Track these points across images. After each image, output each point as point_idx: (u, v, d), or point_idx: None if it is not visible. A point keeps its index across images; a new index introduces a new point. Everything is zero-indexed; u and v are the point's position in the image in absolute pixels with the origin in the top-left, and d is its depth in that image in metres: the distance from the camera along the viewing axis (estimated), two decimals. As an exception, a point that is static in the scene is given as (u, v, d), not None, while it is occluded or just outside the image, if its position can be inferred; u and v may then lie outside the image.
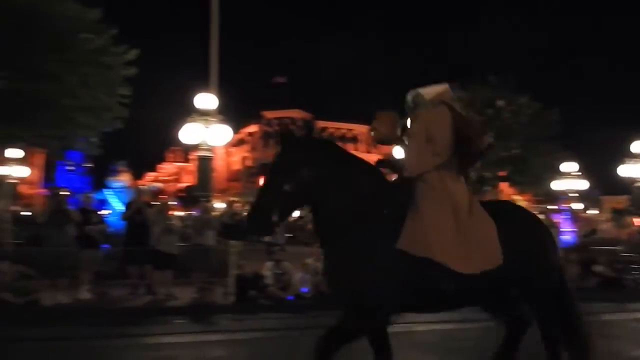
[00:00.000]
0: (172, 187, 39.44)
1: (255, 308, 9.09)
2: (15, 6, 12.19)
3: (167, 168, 45.48)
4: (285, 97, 35.83)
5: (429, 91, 4.01)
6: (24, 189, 25.63)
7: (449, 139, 3.77)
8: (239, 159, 37.04)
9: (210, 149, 12.70)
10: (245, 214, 4.70)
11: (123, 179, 23.65)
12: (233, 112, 13.04)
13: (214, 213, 13.19)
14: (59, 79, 12.75)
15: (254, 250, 10.77)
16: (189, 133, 12.49)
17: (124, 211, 10.51)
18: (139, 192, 11.54)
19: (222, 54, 12.97)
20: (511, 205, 4.52)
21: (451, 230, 3.64)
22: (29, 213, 24.93)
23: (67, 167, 36.13)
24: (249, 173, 36.70)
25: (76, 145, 15.80)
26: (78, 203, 12.22)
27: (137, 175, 26.93)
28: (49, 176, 36.09)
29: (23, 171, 19.82)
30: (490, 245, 3.72)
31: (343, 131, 38.48)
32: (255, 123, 36.70)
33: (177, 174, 43.56)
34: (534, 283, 3.97)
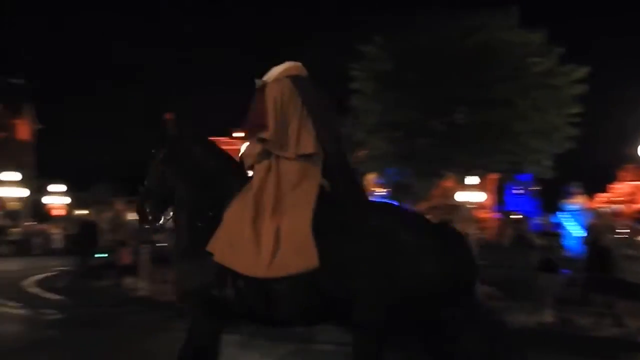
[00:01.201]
0: (628, 208, 35.87)
1: None
2: (470, 45, 13.34)
3: (621, 188, 41.74)
4: None
5: (273, 71, 3.57)
6: (479, 213, 27.37)
7: (268, 121, 3.34)
8: None
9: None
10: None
11: (578, 202, 22.58)
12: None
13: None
14: (512, 105, 13.25)
15: None
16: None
17: (585, 235, 10.03)
18: (599, 215, 10.85)
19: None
20: (383, 205, 3.71)
21: (247, 226, 3.16)
22: (484, 236, 26.37)
23: (516, 191, 37.02)
24: None
25: (528, 168, 15.99)
26: (536, 227, 12.28)
27: (588, 196, 25.55)
28: (500, 200, 37.73)
29: (479, 196, 21.19)
30: (300, 246, 3.05)
31: None
32: None
33: (632, 194, 39.50)
34: (362, 306, 3.03)
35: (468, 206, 20.70)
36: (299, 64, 3.65)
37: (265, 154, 3.37)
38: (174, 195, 3.64)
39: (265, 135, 3.36)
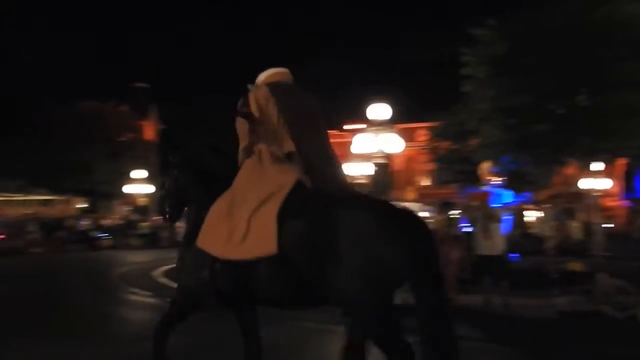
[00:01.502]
0: None
1: None
2: (594, 21, 12.45)
3: None
4: None
5: (259, 77, 3.85)
6: (605, 201, 25.68)
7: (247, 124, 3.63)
8: None
9: None
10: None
11: None
12: None
13: None
14: (642, 85, 12.22)
15: None
16: None
17: None
18: None
19: None
20: (355, 196, 3.62)
21: (225, 215, 3.48)
22: (611, 225, 24.70)
23: (646, 177, 34.30)
24: None
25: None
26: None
27: None
28: (628, 187, 35.12)
29: (605, 183, 19.87)
30: (263, 232, 3.27)
31: None
32: None
33: None
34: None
35: (593, 194, 19.49)
36: (283, 70, 3.88)
37: (250, 152, 3.63)
38: (188, 195, 4.06)
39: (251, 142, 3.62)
